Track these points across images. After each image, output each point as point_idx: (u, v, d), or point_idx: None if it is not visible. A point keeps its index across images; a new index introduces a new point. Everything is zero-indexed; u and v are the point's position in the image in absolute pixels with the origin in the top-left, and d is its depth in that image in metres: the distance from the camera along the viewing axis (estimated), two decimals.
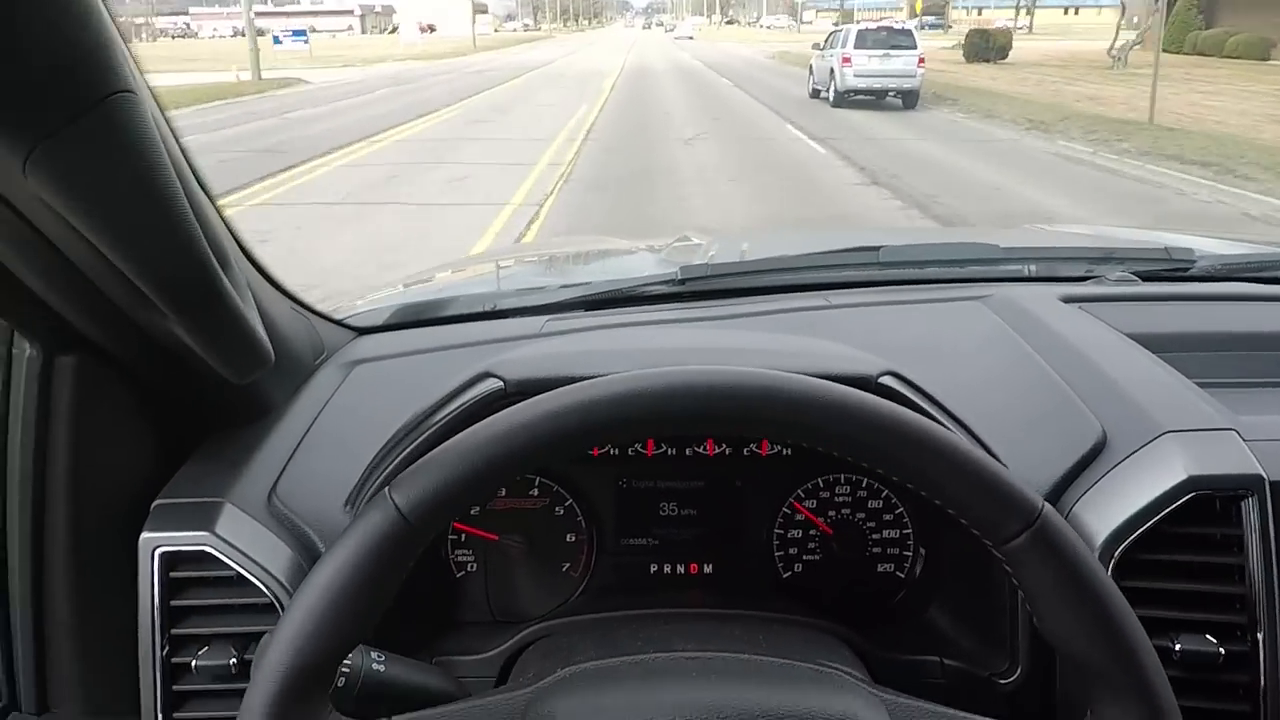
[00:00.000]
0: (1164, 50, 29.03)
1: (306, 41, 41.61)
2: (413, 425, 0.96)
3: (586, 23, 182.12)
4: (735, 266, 1.46)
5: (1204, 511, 0.85)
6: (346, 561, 0.60)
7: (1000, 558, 0.62)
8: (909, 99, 17.63)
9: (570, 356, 1.02)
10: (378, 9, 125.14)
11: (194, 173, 0.80)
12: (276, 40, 42.24)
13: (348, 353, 1.20)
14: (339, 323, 1.26)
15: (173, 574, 0.87)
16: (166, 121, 0.75)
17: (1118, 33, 29.08)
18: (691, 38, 78.53)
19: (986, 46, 30.24)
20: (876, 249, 1.46)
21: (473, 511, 1.06)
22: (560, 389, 0.63)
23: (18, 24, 0.50)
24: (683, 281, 1.38)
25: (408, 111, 17.85)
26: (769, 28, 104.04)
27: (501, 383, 0.94)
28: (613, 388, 0.62)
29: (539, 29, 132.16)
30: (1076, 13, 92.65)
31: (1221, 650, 0.83)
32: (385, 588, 0.61)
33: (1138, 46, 26.28)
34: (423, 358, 1.17)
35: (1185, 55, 31.67)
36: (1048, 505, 0.61)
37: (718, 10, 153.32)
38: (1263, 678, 0.82)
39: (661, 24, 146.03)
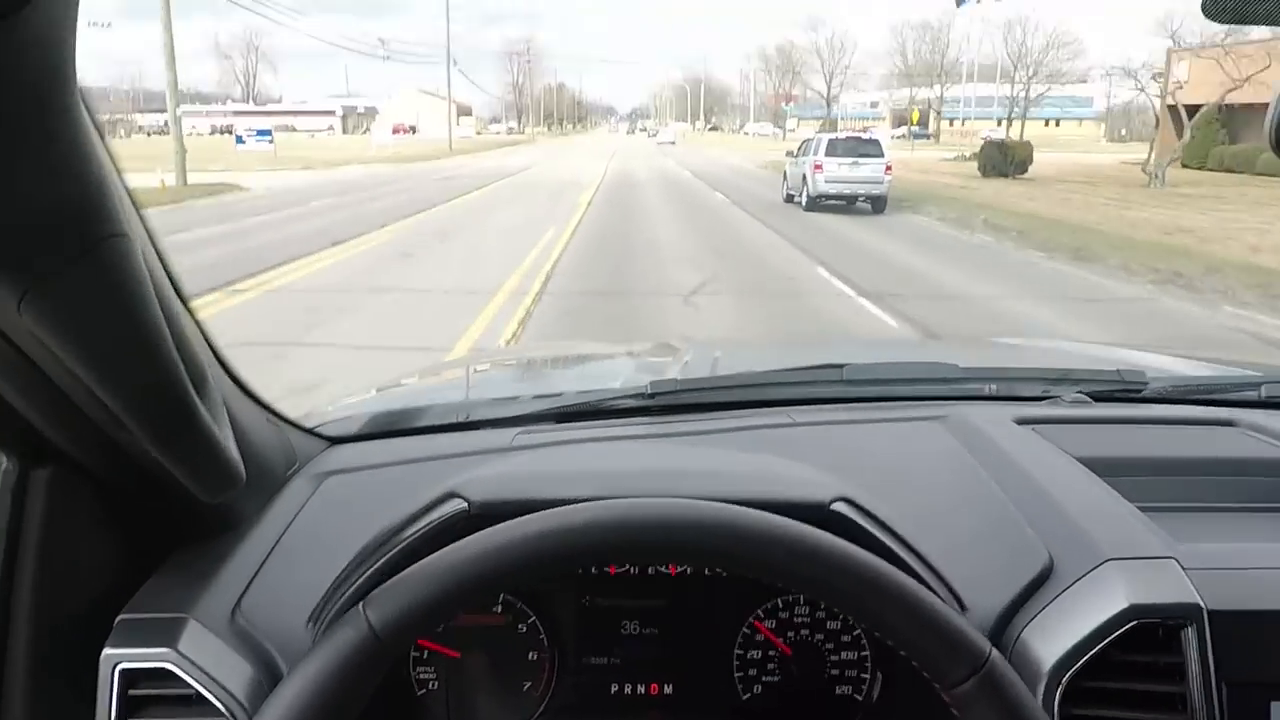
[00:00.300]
0: (1185, 165, 28.70)
1: (271, 141, 39.51)
2: (379, 543, 0.97)
3: (571, 127, 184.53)
4: (703, 382, 1.50)
5: (1147, 639, 0.88)
6: (316, 675, 0.61)
7: (947, 700, 0.64)
8: (878, 204, 18.42)
9: (533, 478, 1.04)
10: (360, 110, 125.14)
11: (179, 294, 0.84)
12: (239, 140, 40.13)
13: (319, 464, 1.22)
14: (311, 432, 1.28)
15: (132, 691, 0.87)
16: (157, 250, 0.79)
17: (1153, 147, 28.22)
18: (674, 143, 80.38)
19: (1004, 160, 27.46)
20: (840, 367, 1.51)
21: (436, 630, 1.07)
22: (529, 516, 0.66)
23: (19, 170, 0.53)
24: (652, 395, 1.41)
25: (324, 235, 13.83)
26: (753, 135, 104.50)
27: (466, 503, 0.95)
28: (577, 518, 0.65)
29: (522, 132, 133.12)
30: (1057, 124, 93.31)
31: None
32: (351, 704, 0.62)
33: (1176, 161, 25.70)
34: (393, 471, 1.19)
35: (1210, 171, 30.61)
36: (995, 652, 0.64)
37: (701, 117, 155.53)
38: None
39: (645, 129, 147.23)
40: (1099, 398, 1.47)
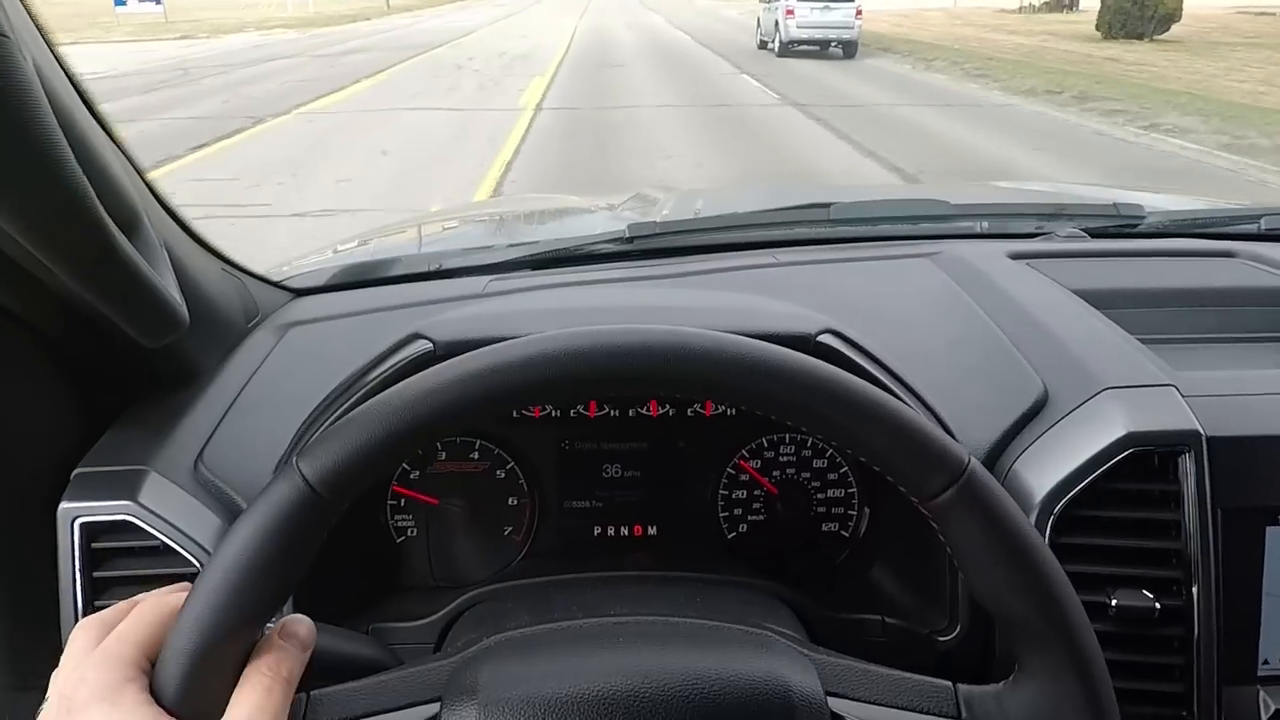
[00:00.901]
0: None
1: (159, 1, 33.41)
2: (343, 389, 0.93)
3: None
4: (683, 224, 1.44)
5: (1142, 467, 0.86)
6: (252, 534, 0.57)
7: (927, 514, 0.61)
8: (849, 49, 18.93)
9: (503, 317, 0.99)
10: None
11: (101, 125, 0.77)
12: (119, 1, 33.47)
13: (284, 315, 1.17)
14: (275, 284, 1.23)
15: (94, 545, 0.84)
16: (66, 73, 0.71)
17: None
18: None
19: (1141, 15, 19.76)
20: (827, 206, 1.45)
21: (412, 475, 1.05)
22: (471, 353, 0.61)
23: None
24: (630, 240, 1.36)
25: None
26: None
27: (431, 344, 0.91)
28: (522, 350, 0.60)
29: None
30: None
31: (1157, 605, 0.83)
32: (297, 559, 0.59)
33: None
34: (361, 319, 1.14)
35: None
36: (974, 460, 0.60)
37: None
38: (1196, 631, 0.83)
39: None
40: (1095, 233, 1.42)
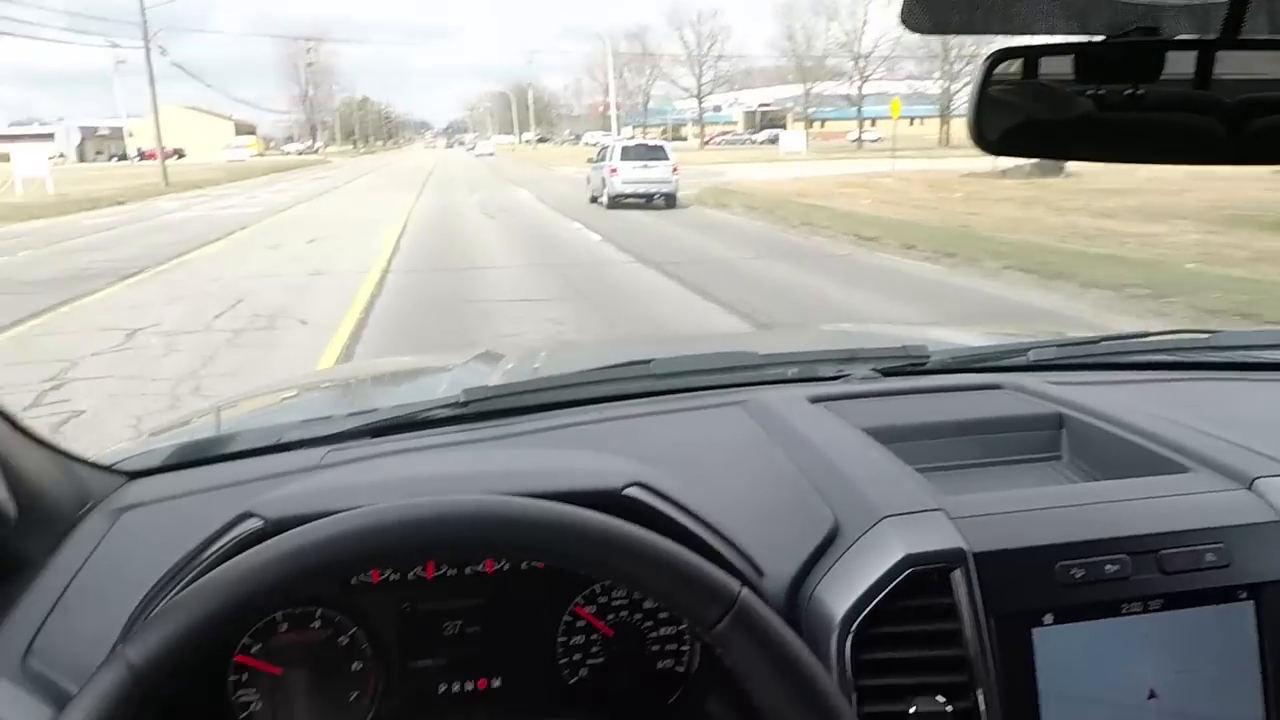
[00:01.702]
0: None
1: None
2: (174, 571, 0.95)
3: (380, 144, 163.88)
4: (515, 387, 1.52)
5: (922, 585, 0.96)
6: None
7: (710, 643, 0.69)
8: (669, 200, 21.53)
9: (333, 491, 1.03)
10: (103, 131, 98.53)
11: None
12: None
13: (116, 499, 1.17)
14: (107, 469, 1.23)
15: None
16: None
17: None
18: (492, 154, 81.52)
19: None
20: (648, 362, 1.57)
21: (254, 649, 1.05)
22: (285, 534, 0.66)
23: None
24: (466, 404, 1.43)
25: None
26: (592, 144, 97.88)
27: (262, 521, 0.94)
28: (326, 530, 0.65)
29: (315, 152, 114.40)
30: (923, 123, 79.09)
31: (948, 708, 0.92)
32: None
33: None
34: (195, 499, 1.16)
35: None
36: (744, 590, 0.68)
37: (531, 127, 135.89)
38: None
39: (463, 142, 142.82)
40: (887, 373, 1.58)
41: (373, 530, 0.66)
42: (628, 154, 21.40)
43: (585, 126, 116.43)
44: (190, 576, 0.93)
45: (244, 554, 0.66)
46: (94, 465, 1.20)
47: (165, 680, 0.61)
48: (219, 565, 0.88)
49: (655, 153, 21.77)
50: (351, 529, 0.66)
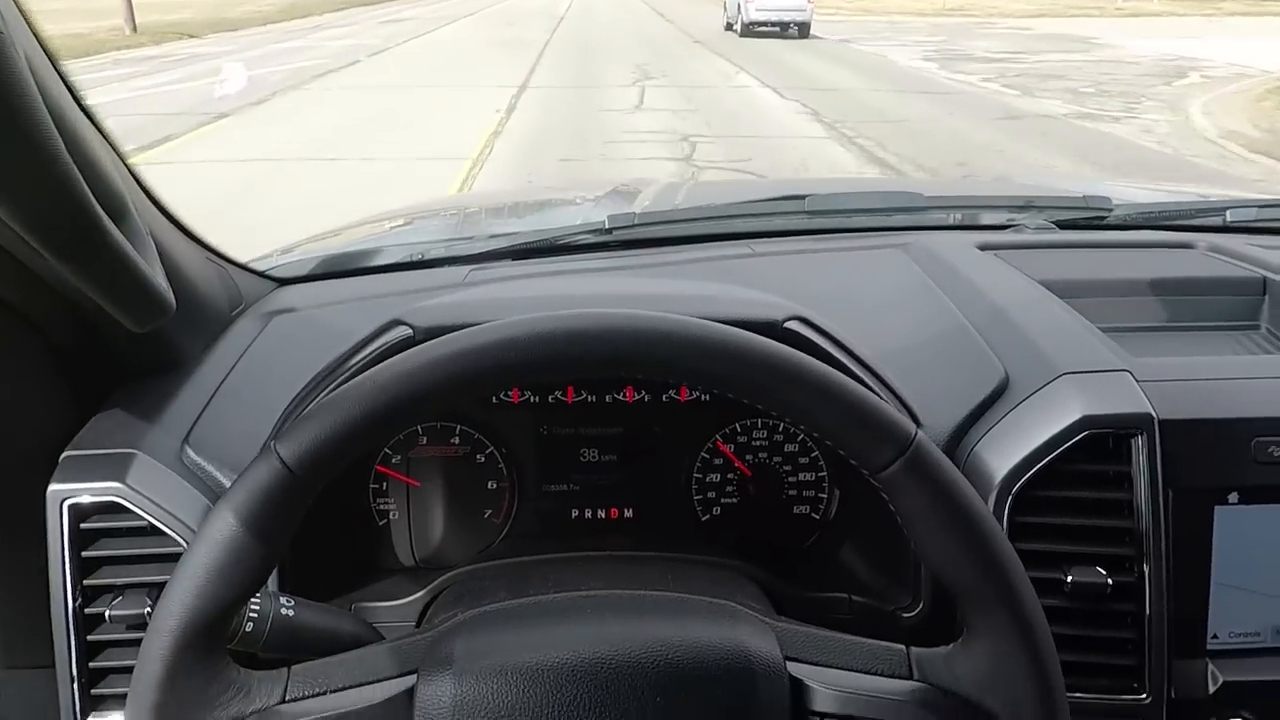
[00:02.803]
0: None
1: None
2: (324, 374, 0.96)
3: None
4: (662, 215, 1.47)
5: (1097, 449, 0.89)
6: (233, 514, 0.61)
7: (876, 485, 0.64)
8: (803, 29, 21.82)
9: (480, 304, 1.02)
10: None
11: (89, 118, 0.79)
12: None
13: (267, 303, 1.19)
14: (259, 273, 1.25)
15: (83, 525, 0.86)
16: (53, 63, 0.73)
17: None
18: None
19: None
20: (803, 198, 1.48)
21: (394, 459, 1.07)
22: (441, 338, 0.64)
23: None
24: (610, 230, 1.39)
25: None
26: None
27: (411, 330, 0.94)
28: (489, 335, 0.63)
29: None
30: None
31: (1109, 581, 0.87)
32: (276, 538, 0.62)
33: None
34: (343, 308, 1.17)
35: None
36: (920, 432, 0.64)
37: None
38: (1147, 606, 0.87)
39: None
40: (1064, 225, 1.46)
41: (546, 337, 0.63)
42: None
43: None
44: (340, 380, 0.94)
45: (396, 357, 0.64)
46: (247, 269, 1.22)
47: (314, 477, 0.61)
48: (367, 369, 0.89)
49: None
50: (526, 333, 0.63)
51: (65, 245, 0.68)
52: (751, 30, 21.69)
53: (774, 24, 21.70)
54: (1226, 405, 0.90)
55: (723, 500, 1.10)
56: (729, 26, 23.61)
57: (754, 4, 21.51)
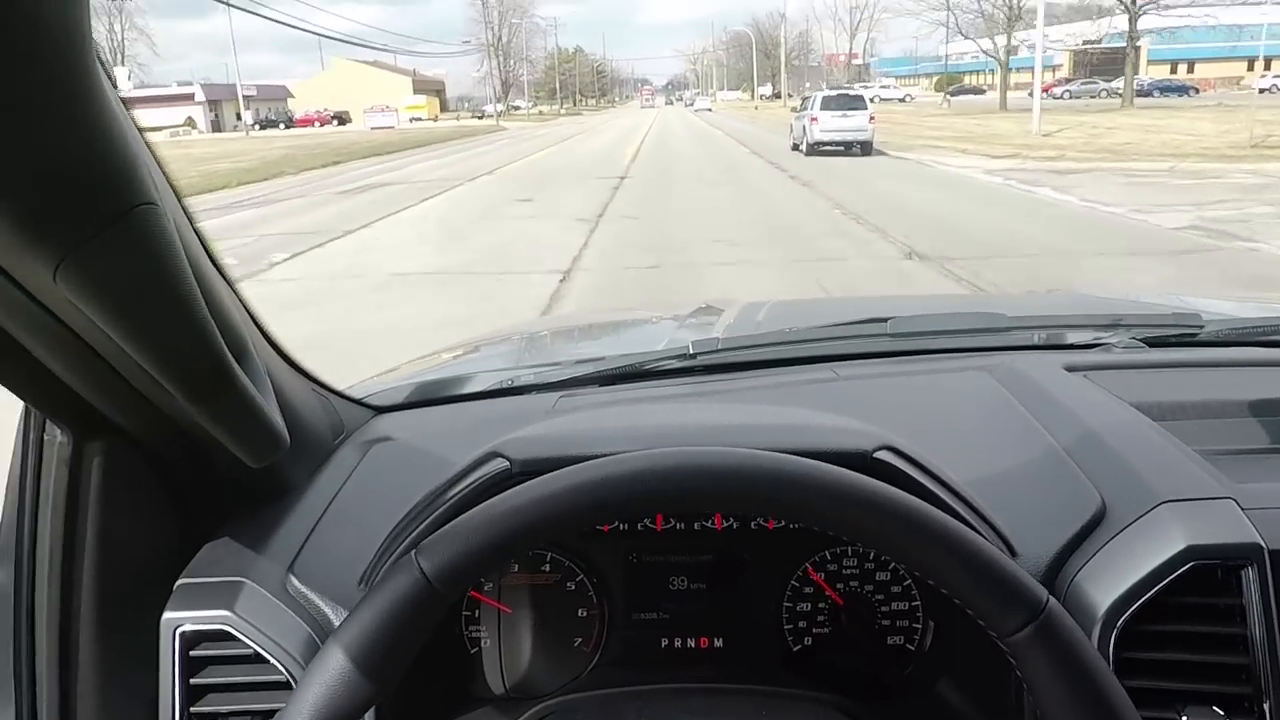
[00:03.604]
0: None
1: None
2: (426, 503, 0.98)
3: (593, 102, 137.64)
4: (745, 340, 1.49)
5: (1205, 581, 0.86)
6: (371, 620, 0.64)
7: (1004, 649, 0.64)
8: (865, 148, 22.45)
9: (572, 437, 1.04)
10: (252, 91, 69.92)
11: (217, 267, 0.85)
12: None
13: (366, 432, 1.24)
14: (358, 402, 1.30)
15: (193, 652, 0.90)
16: (190, 222, 0.80)
17: None
18: (710, 109, 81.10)
19: None
20: (885, 320, 1.49)
21: (486, 587, 1.09)
22: (575, 466, 0.67)
23: (47, 140, 0.54)
24: (694, 356, 1.41)
25: None
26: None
27: (508, 462, 0.96)
28: (625, 466, 0.66)
29: (503, 115, 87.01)
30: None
31: None
32: (405, 649, 0.64)
33: None
34: (438, 436, 1.21)
35: None
36: (1052, 600, 0.63)
37: (771, 79, 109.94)
38: None
39: (682, 99, 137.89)
40: (1153, 343, 1.44)
41: (667, 473, 0.66)
42: (828, 104, 22.78)
43: (828, 79, 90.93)
44: (440, 509, 0.96)
45: (531, 482, 0.68)
46: (347, 398, 1.27)
47: (449, 590, 0.65)
48: (467, 500, 0.92)
49: (854, 103, 22.88)
50: (654, 467, 0.67)
51: (197, 388, 0.73)
52: (817, 149, 22.54)
53: (838, 144, 22.39)
54: None
55: (814, 630, 1.09)
56: (795, 147, 24.60)
57: (818, 125, 22.46)
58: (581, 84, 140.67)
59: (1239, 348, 1.42)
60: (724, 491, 0.65)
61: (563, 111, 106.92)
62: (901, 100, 72.41)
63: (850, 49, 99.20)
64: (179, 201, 0.78)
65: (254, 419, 0.81)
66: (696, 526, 1.08)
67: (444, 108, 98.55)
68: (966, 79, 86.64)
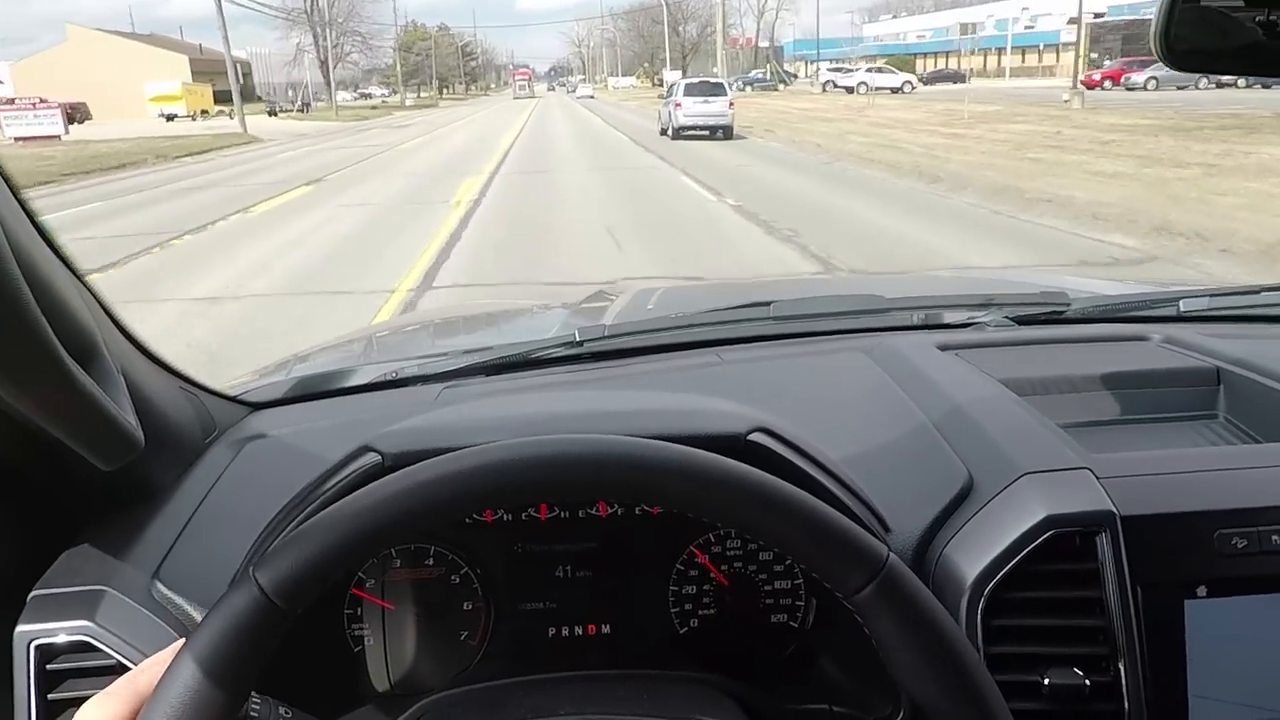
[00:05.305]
0: None
1: None
2: (295, 502, 0.96)
3: (464, 89, 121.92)
4: (631, 326, 1.50)
5: (1064, 548, 0.90)
6: (215, 636, 0.61)
7: (850, 608, 0.65)
8: (726, 132, 24.11)
9: (449, 429, 1.03)
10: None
11: (58, 255, 0.81)
12: None
13: (240, 429, 1.19)
14: (232, 399, 1.26)
15: (50, 666, 0.85)
16: (29, 216, 0.75)
17: None
18: (592, 96, 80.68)
19: None
20: (768, 304, 1.52)
21: (369, 584, 1.06)
22: (415, 466, 0.65)
23: None
24: (581, 343, 1.41)
25: None
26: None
27: (380, 456, 0.94)
28: (462, 463, 0.64)
29: (305, 107, 67.37)
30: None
31: (1087, 681, 0.86)
32: (255, 661, 0.62)
33: None
34: (316, 432, 1.17)
35: None
36: (892, 555, 0.65)
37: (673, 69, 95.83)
38: (1126, 704, 0.87)
39: (565, 85, 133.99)
40: (1022, 321, 1.50)
41: (517, 463, 0.65)
42: (691, 90, 24.47)
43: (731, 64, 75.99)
44: (312, 508, 0.94)
45: (372, 485, 0.66)
46: (220, 395, 1.22)
47: (290, 604, 0.62)
48: (339, 496, 0.90)
49: (715, 90, 24.57)
50: (496, 461, 0.65)
51: (28, 388, 0.69)
52: (680, 134, 24.15)
53: (701, 128, 24.07)
54: (1187, 499, 0.92)
55: (700, 612, 1.10)
56: (663, 131, 25.96)
57: (681, 110, 24.06)
58: (446, 68, 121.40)
59: (1101, 324, 1.49)
60: (573, 479, 0.64)
61: (409, 103, 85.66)
62: (897, 90, 53.44)
63: (758, 29, 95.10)
64: (5, 182, 0.73)
65: (101, 420, 0.77)
66: (581, 514, 1.08)
67: (249, 97, 66.31)
68: (918, 61, 76.84)
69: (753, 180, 14.87)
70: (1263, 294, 1.61)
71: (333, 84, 68.42)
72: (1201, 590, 0.89)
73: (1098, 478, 0.94)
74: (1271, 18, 0.81)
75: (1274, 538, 0.89)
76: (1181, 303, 1.53)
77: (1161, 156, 14.78)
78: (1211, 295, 1.59)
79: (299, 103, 66.49)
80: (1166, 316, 1.51)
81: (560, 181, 16.25)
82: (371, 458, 0.94)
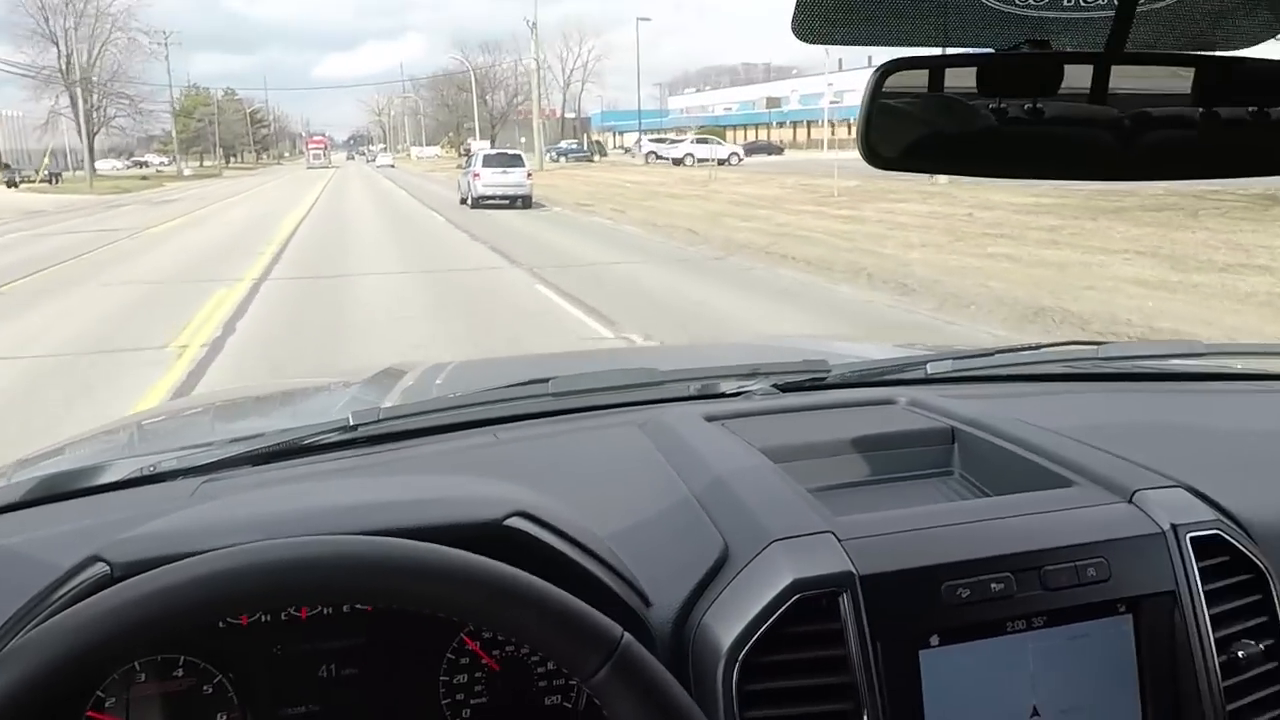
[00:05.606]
0: None
1: None
2: (18, 618, 0.88)
3: (243, 157, 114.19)
4: (407, 409, 1.48)
5: (810, 610, 0.94)
6: None
7: (589, 692, 0.66)
8: (525, 202, 24.95)
9: (185, 532, 0.98)
10: None
11: None
12: None
13: None
14: None
15: None
16: None
17: None
18: (392, 165, 79.22)
19: None
20: (546, 381, 1.53)
21: (108, 703, 0.98)
22: (128, 582, 0.62)
23: None
24: (355, 428, 1.38)
25: None
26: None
27: (108, 566, 0.89)
28: (187, 573, 0.62)
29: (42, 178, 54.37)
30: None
31: None
32: None
33: None
34: (52, 540, 1.08)
35: None
36: (627, 636, 0.66)
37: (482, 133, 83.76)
38: None
39: (364, 153, 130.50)
40: (787, 388, 1.58)
41: (222, 576, 0.63)
42: (489, 161, 25.78)
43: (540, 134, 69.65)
44: (34, 624, 0.86)
45: (84, 602, 0.62)
46: None
47: None
48: (62, 610, 0.83)
49: (513, 161, 25.81)
50: (198, 575, 0.63)
51: None
52: (480, 203, 24.75)
53: (500, 198, 24.81)
54: (918, 555, 0.99)
55: (472, 702, 1.08)
56: (463, 200, 26.55)
57: (480, 180, 24.97)
58: (233, 135, 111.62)
59: (858, 388, 1.60)
60: (291, 585, 0.63)
61: (187, 173, 75.27)
62: (723, 162, 50.99)
63: (564, 100, 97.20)
64: None
65: None
66: (346, 609, 1.05)
67: None
68: (728, 133, 76.29)
69: (651, 295, 10.68)
70: (995, 355, 1.78)
71: (91, 152, 60.17)
72: (934, 639, 0.96)
73: (839, 540, 1.00)
74: (1002, 105, 0.84)
75: (993, 585, 0.97)
76: (928, 366, 1.66)
77: (1163, 250, 12.17)
78: (955, 359, 1.73)
79: (44, 172, 56.34)
80: (915, 379, 1.64)
81: (358, 294, 11.35)
82: (100, 568, 0.88)
